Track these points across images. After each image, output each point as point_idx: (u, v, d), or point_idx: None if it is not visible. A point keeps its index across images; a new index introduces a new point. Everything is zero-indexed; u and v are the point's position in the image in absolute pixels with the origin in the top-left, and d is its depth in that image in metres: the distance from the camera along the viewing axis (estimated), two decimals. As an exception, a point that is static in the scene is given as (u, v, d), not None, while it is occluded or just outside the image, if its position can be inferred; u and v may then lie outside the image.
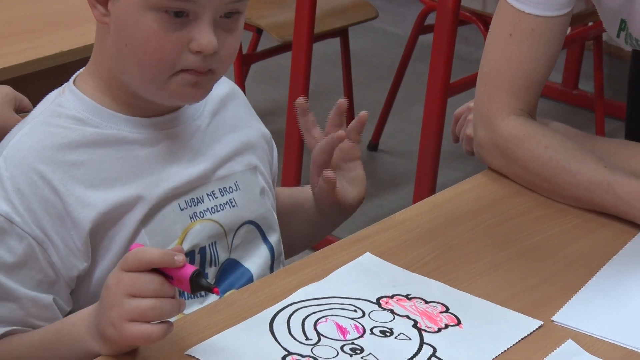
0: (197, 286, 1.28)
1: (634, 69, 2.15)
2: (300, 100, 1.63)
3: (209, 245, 1.51)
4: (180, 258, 1.27)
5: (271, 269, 1.58)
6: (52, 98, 1.49)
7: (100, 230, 1.43)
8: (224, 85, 1.60)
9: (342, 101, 1.59)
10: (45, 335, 1.39)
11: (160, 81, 1.42)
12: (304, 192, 1.68)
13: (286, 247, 1.63)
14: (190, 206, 1.49)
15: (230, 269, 1.54)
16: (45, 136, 1.45)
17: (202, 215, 1.50)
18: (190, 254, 1.48)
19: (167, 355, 1.32)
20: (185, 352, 1.32)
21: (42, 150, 1.43)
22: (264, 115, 1.72)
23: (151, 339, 1.28)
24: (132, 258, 1.28)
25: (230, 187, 1.54)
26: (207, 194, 1.51)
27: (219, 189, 1.53)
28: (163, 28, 1.39)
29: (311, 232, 1.70)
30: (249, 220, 1.55)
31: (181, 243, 1.47)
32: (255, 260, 1.56)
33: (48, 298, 1.42)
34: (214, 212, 1.51)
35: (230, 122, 1.58)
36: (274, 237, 1.59)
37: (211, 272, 1.52)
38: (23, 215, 1.40)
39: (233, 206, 1.53)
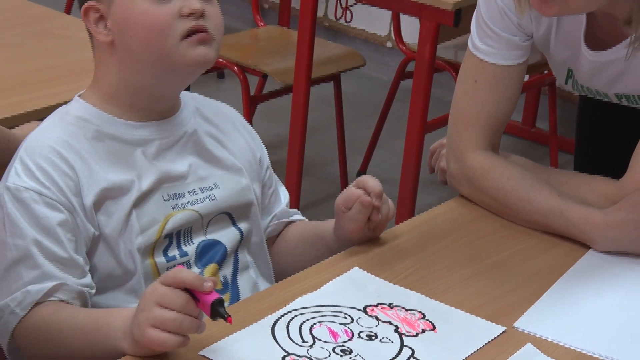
0: (216, 312, 1.26)
1: (581, 110, 2.14)
2: None
3: (186, 229, 1.51)
4: (209, 284, 1.27)
5: (239, 247, 1.57)
6: (60, 108, 1.52)
7: (101, 204, 1.45)
8: (225, 107, 1.63)
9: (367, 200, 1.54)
10: (88, 318, 1.37)
11: (169, 49, 1.43)
12: (325, 225, 1.63)
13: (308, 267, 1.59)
14: (172, 199, 1.50)
15: (209, 247, 1.53)
16: (58, 131, 1.47)
17: (183, 206, 1.50)
18: (169, 236, 1.49)
19: (183, 354, 1.31)
20: (199, 353, 1.31)
21: (56, 139, 1.46)
22: (269, 147, 1.70)
23: (165, 347, 1.27)
24: (170, 274, 1.28)
25: (210, 186, 1.54)
26: (188, 191, 1.52)
27: (200, 188, 1.53)
28: (153, 3, 1.43)
29: (327, 256, 1.62)
30: (225, 211, 1.55)
31: (163, 227, 1.48)
32: (227, 239, 1.55)
33: (79, 260, 1.43)
34: (194, 204, 1.52)
35: (217, 135, 1.57)
36: (244, 225, 1.58)
37: (190, 249, 1.51)
38: (49, 187, 1.43)
39: (212, 200, 1.53)
